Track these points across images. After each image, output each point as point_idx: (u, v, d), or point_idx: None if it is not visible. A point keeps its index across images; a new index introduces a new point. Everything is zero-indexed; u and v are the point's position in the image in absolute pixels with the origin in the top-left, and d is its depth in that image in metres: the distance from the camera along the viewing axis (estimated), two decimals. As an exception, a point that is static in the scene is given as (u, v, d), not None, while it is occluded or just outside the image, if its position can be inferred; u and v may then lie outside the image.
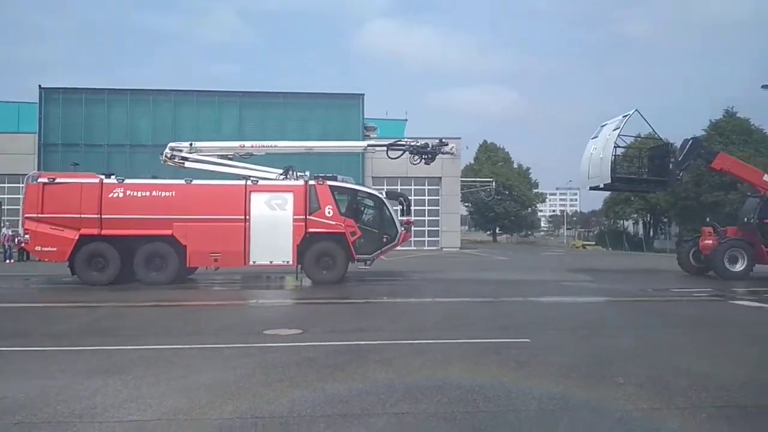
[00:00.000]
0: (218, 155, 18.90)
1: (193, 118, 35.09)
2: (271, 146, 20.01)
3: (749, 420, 5.23)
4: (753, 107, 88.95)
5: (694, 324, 10.36)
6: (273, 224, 16.61)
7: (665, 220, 62.61)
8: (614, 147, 18.76)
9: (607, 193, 57.16)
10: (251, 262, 16.66)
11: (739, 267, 18.44)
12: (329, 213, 16.94)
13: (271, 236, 16.50)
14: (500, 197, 66.28)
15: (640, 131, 22.62)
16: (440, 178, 39.32)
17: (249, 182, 17.04)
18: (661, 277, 19.71)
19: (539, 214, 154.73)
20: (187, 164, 18.56)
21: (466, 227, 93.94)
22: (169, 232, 16.22)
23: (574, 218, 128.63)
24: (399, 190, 37.08)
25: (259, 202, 16.74)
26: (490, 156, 69.79)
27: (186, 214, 16.29)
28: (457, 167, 39.78)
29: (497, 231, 74.06)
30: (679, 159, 19.33)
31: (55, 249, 16.08)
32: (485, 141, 71.60)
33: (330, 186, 17.28)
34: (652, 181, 20.47)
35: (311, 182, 17.23)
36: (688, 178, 32.27)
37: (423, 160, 19.18)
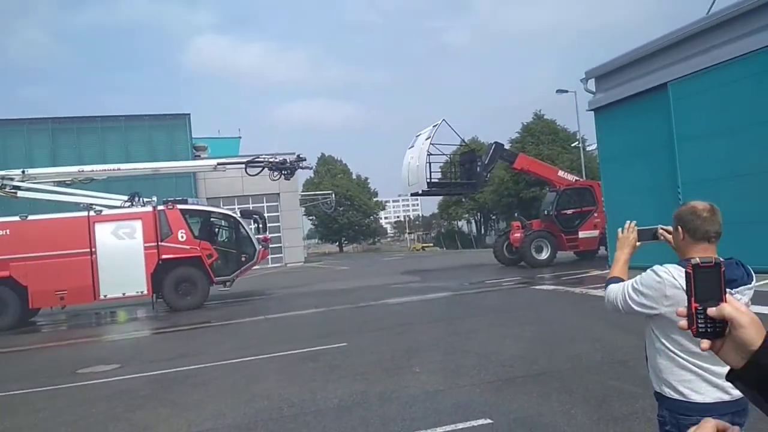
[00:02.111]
0: (54, 182, 17.71)
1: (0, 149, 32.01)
2: (114, 170, 19.00)
3: (516, 388, 6.11)
4: (558, 108, 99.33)
5: (493, 311, 11.59)
6: (122, 254, 15.96)
7: (493, 217, 67.81)
8: (427, 154, 20.23)
9: (441, 197, 61.33)
10: (102, 296, 15.88)
11: (545, 255, 20.66)
12: (182, 237, 16.55)
13: (121, 267, 15.85)
14: (342, 208, 67.50)
15: (451, 138, 24.51)
16: (278, 194, 39.31)
17: (92, 212, 16.21)
18: (480, 271, 21.49)
19: (384, 221, 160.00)
20: (20, 193, 17.14)
21: (315, 240, 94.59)
22: (6, 273, 15.10)
23: (417, 222, 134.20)
24: (252, 208, 36.86)
25: (105, 232, 16.02)
26: (329, 169, 70.86)
27: (24, 252, 15.22)
28: (295, 182, 39.98)
29: (343, 241, 75.32)
30: (485, 162, 21.31)
31: None
32: (323, 154, 72.61)
33: (181, 210, 16.88)
34: (463, 183, 22.32)
35: (160, 207, 16.74)
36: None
37: (282, 176, 19.34)
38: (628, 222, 3.02)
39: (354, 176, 72.00)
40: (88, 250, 15.79)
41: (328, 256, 58.52)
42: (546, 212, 21.80)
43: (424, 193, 21.90)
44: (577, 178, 22.88)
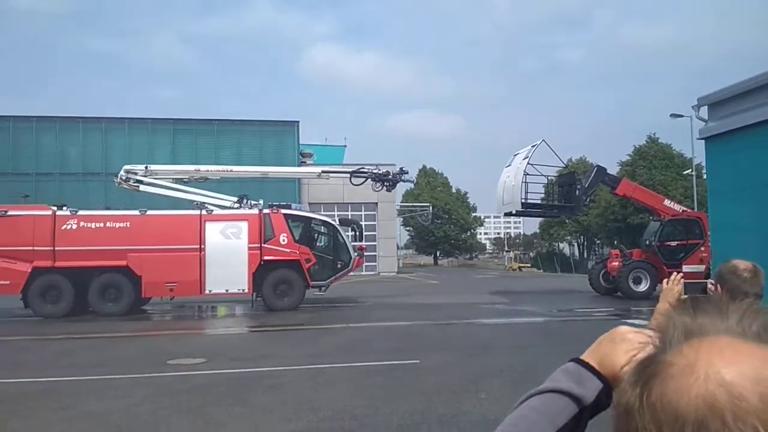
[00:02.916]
0: (173, 179, 19.11)
1: (125, 146, 34.73)
2: (227, 171, 20.38)
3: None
4: (675, 133, 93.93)
5: (577, 342, 11.13)
6: (228, 253, 16.84)
7: (597, 241, 65.21)
8: (524, 174, 19.89)
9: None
10: (207, 291, 16.87)
11: (643, 287, 19.67)
12: (284, 241, 17.30)
13: (226, 265, 16.70)
14: (440, 221, 67.45)
15: (552, 160, 23.87)
16: (376, 203, 39.96)
17: (204, 211, 17.32)
18: (573, 298, 20.81)
19: (484, 236, 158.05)
20: (142, 187, 18.69)
21: (411, 251, 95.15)
22: (123, 263, 16.29)
23: (517, 240, 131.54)
24: (351, 217, 37.91)
25: (214, 231, 17.00)
26: (429, 181, 71.10)
27: (140, 244, 16.38)
28: (393, 192, 40.56)
29: (438, 254, 75.21)
30: (585, 186, 20.63)
31: (8, 282, 15.95)
32: (424, 166, 72.90)
33: (284, 214, 17.69)
34: (560, 206, 21.71)
35: (266, 211, 17.61)
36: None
37: (385, 187, 19.91)
38: (675, 273, 2.93)
39: (454, 190, 71.78)
40: (198, 246, 16.78)
41: (422, 269, 58.67)
42: (648, 242, 20.76)
43: (518, 214, 21.53)
44: (685, 209, 21.60)
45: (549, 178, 20.77)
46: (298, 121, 39.11)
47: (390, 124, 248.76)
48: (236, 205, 18.36)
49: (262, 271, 17.09)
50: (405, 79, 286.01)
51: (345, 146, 56.42)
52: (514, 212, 20.98)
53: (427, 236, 68.43)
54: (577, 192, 20.59)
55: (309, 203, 39.45)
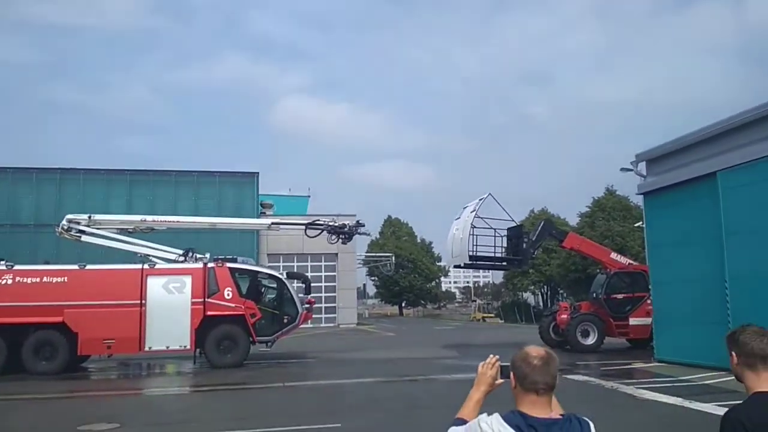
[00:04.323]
0: (118, 230, 18.72)
1: (79, 197, 34.20)
2: (174, 221, 20.09)
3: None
4: (633, 186, 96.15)
5: (510, 401, 11.04)
6: (170, 308, 16.44)
7: (560, 291, 65.64)
8: (471, 227, 20.02)
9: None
10: (147, 348, 16.38)
11: (591, 340, 19.68)
12: (228, 295, 16.95)
13: (168, 321, 16.31)
14: (405, 271, 67.40)
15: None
16: (336, 254, 39.74)
17: (146, 265, 16.95)
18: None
19: (454, 285, 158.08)
20: (84, 238, 18.23)
21: (377, 301, 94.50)
22: (59, 319, 15.75)
23: (486, 290, 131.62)
24: (297, 270, 37.43)
25: (156, 286, 16.61)
26: (394, 231, 71.38)
27: (78, 299, 15.90)
28: (353, 243, 40.42)
29: (403, 304, 74.80)
30: (533, 239, 20.84)
31: None
32: (390, 216, 73.38)
33: (230, 268, 17.37)
34: (508, 259, 21.82)
35: (210, 264, 17.29)
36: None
37: (340, 240, 19.77)
38: (492, 356, 2.80)
39: (419, 240, 72.05)
40: (139, 301, 16.34)
41: (385, 320, 58.09)
42: (595, 295, 20.91)
43: (466, 266, 21.59)
44: (631, 262, 21.87)
45: (497, 231, 20.92)
46: (257, 172, 39.16)
47: (359, 174, 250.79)
48: (181, 259, 18.04)
49: (205, 327, 16.66)
50: (375, 131, 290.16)
51: (309, 197, 56.45)
52: (462, 265, 21.03)
53: (391, 286, 68.18)
54: (525, 245, 20.77)
55: (267, 254, 39.14)
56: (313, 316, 40.20)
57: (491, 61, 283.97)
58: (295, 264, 40.19)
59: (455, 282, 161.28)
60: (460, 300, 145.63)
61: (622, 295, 20.35)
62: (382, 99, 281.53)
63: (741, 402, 2.47)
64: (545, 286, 66.21)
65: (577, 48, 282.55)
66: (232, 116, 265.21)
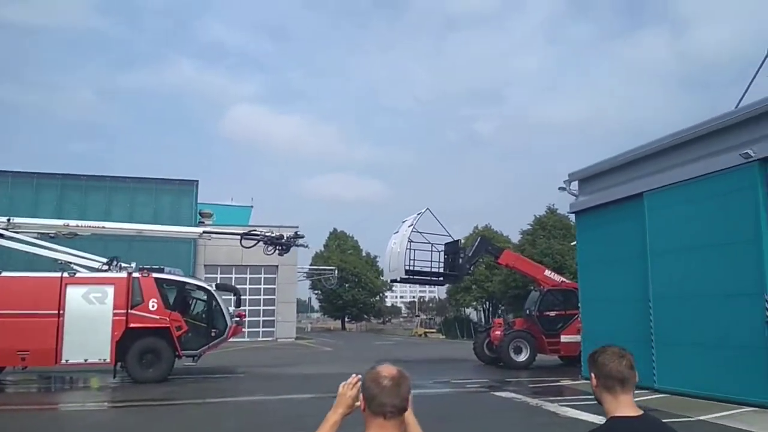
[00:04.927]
0: (39, 234, 17.80)
1: (6, 201, 32.50)
2: (98, 227, 19.33)
3: None
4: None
5: (432, 419, 10.87)
6: (90, 319, 15.76)
7: (502, 307, 66.46)
8: (408, 241, 19.95)
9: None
10: (64, 361, 15.56)
11: (523, 357, 19.79)
12: (153, 306, 16.33)
13: (87, 332, 15.63)
14: (349, 285, 67.06)
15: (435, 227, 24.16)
16: (277, 266, 39.10)
17: (66, 274, 16.15)
18: (456, 368, 20.63)
19: (400, 300, 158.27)
20: (2, 242, 17.28)
21: (319, 315, 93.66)
22: None
23: (431, 305, 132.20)
24: (231, 282, 36.53)
25: (75, 296, 15.88)
26: (339, 244, 70.97)
27: None
28: (294, 256, 39.84)
29: (346, 319, 74.25)
30: (469, 255, 20.93)
31: None
32: (335, 229, 72.94)
33: (155, 278, 16.77)
34: (445, 274, 21.83)
35: (135, 274, 16.60)
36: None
37: (277, 251, 19.24)
38: (354, 376, 2.55)
39: (364, 253, 71.78)
40: (56, 312, 15.62)
41: (326, 334, 57.48)
42: (528, 311, 21.12)
43: (402, 280, 21.52)
44: (564, 280, 22.21)
45: (435, 246, 20.94)
46: (197, 180, 38.26)
47: (309, 186, 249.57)
48: (105, 267, 17.30)
49: (127, 339, 16.00)
50: (327, 144, 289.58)
51: (251, 207, 55.50)
52: (398, 279, 20.92)
53: (334, 300, 67.63)
54: (461, 260, 20.81)
55: (204, 265, 38.12)
56: (251, 329, 39.82)
57: (443, 79, 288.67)
58: (234, 276, 39.31)
59: (401, 297, 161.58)
60: (406, 315, 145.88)
61: (555, 312, 20.58)
62: (335, 112, 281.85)
63: (598, 427, 2.33)
64: (487, 302, 66.93)
65: (525, 69, 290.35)
66: (180, 123, 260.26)
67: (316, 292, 72.41)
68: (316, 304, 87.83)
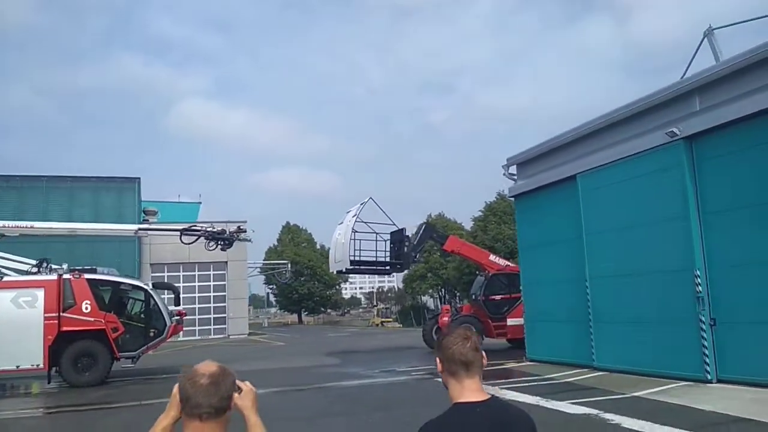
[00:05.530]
0: None
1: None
2: (27, 227, 18.38)
3: None
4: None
5: (372, 409, 10.77)
6: (20, 324, 15.06)
7: (457, 294, 67.09)
8: (352, 231, 19.78)
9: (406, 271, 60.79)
10: None
11: (472, 341, 19.83)
12: (87, 309, 15.73)
13: (17, 338, 14.93)
14: (303, 278, 66.51)
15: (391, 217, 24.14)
16: (226, 262, 38.40)
17: None
18: (404, 356, 20.59)
19: (359, 291, 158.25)
20: None
21: (275, 309, 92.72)
22: None
23: (390, 294, 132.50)
24: (179, 280, 35.69)
25: (3, 300, 15.20)
26: (293, 237, 70.24)
27: None
28: (243, 250, 39.17)
29: (303, 312, 73.71)
30: (414, 242, 20.89)
31: None
32: (288, 222, 72.12)
33: (88, 279, 16.14)
34: (390, 263, 21.75)
35: (66, 276, 15.95)
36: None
37: (219, 246, 18.70)
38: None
39: (318, 246, 71.22)
40: None
41: (282, 329, 56.93)
42: (474, 296, 21.23)
43: (348, 271, 21.36)
44: (508, 263, 22.41)
45: (380, 235, 20.82)
46: (138, 178, 37.11)
47: (260, 181, 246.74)
48: (35, 270, 16.58)
49: (60, 343, 15.40)
50: (278, 137, 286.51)
51: (200, 203, 54.44)
52: (344, 270, 20.73)
53: (290, 294, 66.99)
54: (406, 249, 20.75)
55: (150, 264, 37.16)
56: (202, 327, 39.11)
57: (394, 70, 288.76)
58: (182, 273, 38.49)
59: (360, 288, 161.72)
60: (365, 305, 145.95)
61: (500, 296, 20.75)
62: (286, 105, 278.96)
63: (439, 415, 2.18)
64: (443, 289, 67.46)
65: (474, 59, 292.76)
66: (125, 119, 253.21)
67: (270, 287, 71.65)
68: (273, 299, 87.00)
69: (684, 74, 12.96)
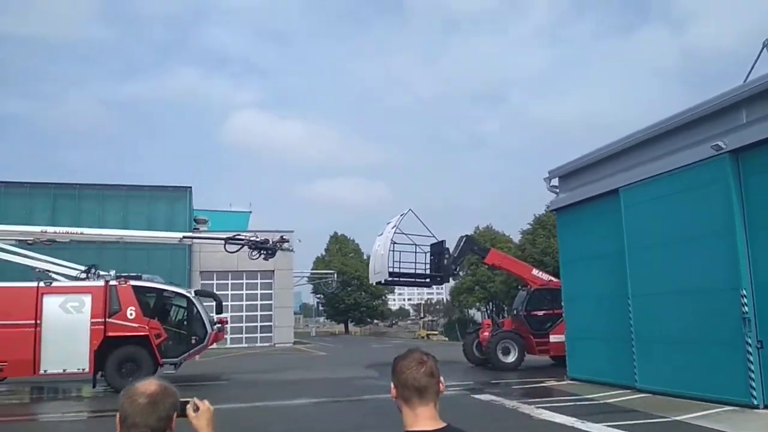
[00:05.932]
0: (17, 241, 17.70)
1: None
2: (77, 233, 19.17)
3: None
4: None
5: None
6: (68, 329, 15.65)
7: (505, 308, 65.93)
8: (391, 243, 19.75)
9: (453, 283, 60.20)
10: (42, 371, 15.48)
11: (511, 358, 19.48)
12: (131, 315, 16.19)
13: (65, 342, 15.53)
14: (350, 288, 66.78)
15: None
16: (273, 271, 38.89)
17: (42, 283, 16.04)
18: (445, 370, 20.00)
19: (408, 302, 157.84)
20: None
21: (323, 319, 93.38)
22: None
23: (438, 306, 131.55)
24: (227, 289, 36.36)
25: (52, 305, 15.76)
26: (340, 247, 70.70)
27: None
28: (289, 260, 39.64)
29: (350, 322, 73.92)
30: (455, 255, 20.67)
31: None
32: (336, 233, 72.65)
33: (133, 286, 16.63)
34: (430, 275, 21.57)
35: (112, 282, 16.47)
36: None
37: (261, 256, 19.08)
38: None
39: (365, 256, 71.42)
40: (33, 322, 15.51)
41: (329, 338, 57.25)
42: (516, 311, 20.83)
43: (386, 283, 21.31)
44: (551, 278, 21.90)
45: (420, 247, 20.72)
46: (190, 187, 38.14)
47: (311, 191, 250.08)
48: (83, 276, 17.19)
49: (105, 348, 15.88)
50: (329, 148, 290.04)
51: (250, 212, 55.57)
52: (382, 281, 20.70)
53: (337, 304, 67.34)
54: (446, 261, 20.57)
55: (200, 272, 38.01)
56: (248, 335, 39.70)
57: (445, 80, 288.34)
58: (230, 281, 39.22)
59: (409, 299, 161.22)
60: (413, 317, 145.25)
61: (543, 312, 20.26)
62: (337, 116, 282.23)
63: None
64: (490, 303, 66.48)
65: (527, 69, 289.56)
66: (182, 131, 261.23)
67: (318, 296, 72.22)
68: (321, 309, 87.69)
69: (746, 79, 12.43)
